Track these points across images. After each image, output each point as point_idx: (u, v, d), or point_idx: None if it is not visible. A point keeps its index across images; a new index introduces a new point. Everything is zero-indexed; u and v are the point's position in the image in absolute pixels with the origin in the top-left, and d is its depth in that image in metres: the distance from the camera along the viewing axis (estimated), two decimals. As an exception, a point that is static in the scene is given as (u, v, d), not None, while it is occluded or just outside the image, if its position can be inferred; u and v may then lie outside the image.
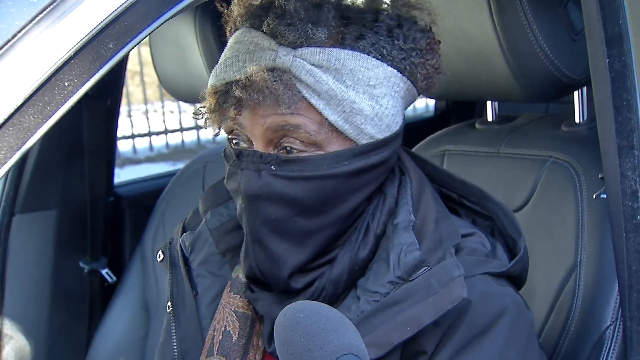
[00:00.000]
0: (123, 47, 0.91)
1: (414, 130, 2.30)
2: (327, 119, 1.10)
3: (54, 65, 0.87)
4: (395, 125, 1.17)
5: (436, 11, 1.21)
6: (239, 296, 1.24)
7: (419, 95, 1.23)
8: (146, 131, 7.02)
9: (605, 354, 1.35)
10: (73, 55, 0.88)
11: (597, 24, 1.30)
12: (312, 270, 1.17)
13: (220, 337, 1.22)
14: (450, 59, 1.66)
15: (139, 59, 6.91)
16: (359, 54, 1.11)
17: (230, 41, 1.18)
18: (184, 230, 1.38)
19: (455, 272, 1.08)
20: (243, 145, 1.16)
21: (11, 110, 0.85)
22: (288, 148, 1.11)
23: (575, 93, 1.64)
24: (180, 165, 2.59)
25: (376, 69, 1.12)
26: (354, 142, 1.13)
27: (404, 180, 1.22)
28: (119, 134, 6.42)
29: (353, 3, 1.18)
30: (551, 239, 1.49)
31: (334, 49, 1.10)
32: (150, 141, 7.02)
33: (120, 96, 2.59)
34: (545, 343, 1.43)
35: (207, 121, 1.16)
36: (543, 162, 1.57)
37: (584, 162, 1.50)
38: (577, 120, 1.65)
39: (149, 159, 6.81)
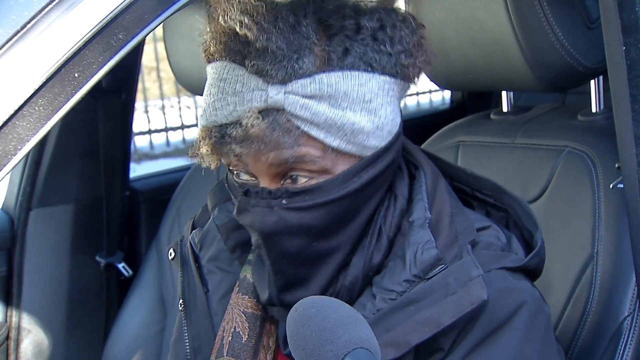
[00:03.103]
0: (133, 38, 0.92)
1: (430, 123, 2.30)
2: (330, 145, 1.08)
3: (63, 56, 0.87)
4: (395, 126, 1.14)
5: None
6: (247, 297, 1.23)
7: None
8: (163, 127, 7.03)
9: (623, 345, 1.34)
10: (83, 46, 0.88)
11: (613, 11, 1.29)
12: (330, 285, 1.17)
13: (230, 338, 1.21)
14: (464, 49, 1.66)
15: (155, 54, 6.92)
16: (348, 72, 1.07)
17: (212, 75, 1.11)
18: (193, 227, 1.37)
19: (474, 272, 1.07)
20: (245, 177, 1.14)
21: (21, 101, 0.86)
22: (294, 177, 1.10)
23: (592, 82, 1.62)
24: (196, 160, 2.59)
25: (369, 83, 1.09)
26: (359, 157, 1.11)
27: (418, 175, 1.20)
28: (136, 129, 6.48)
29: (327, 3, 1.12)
30: (568, 230, 1.48)
31: (324, 75, 1.06)
32: (167, 136, 7.02)
33: (135, 91, 2.60)
34: (562, 334, 1.42)
35: (205, 160, 1.13)
36: (559, 152, 1.56)
37: (601, 152, 1.49)
38: (593, 110, 1.64)
39: (166, 154, 6.81)
